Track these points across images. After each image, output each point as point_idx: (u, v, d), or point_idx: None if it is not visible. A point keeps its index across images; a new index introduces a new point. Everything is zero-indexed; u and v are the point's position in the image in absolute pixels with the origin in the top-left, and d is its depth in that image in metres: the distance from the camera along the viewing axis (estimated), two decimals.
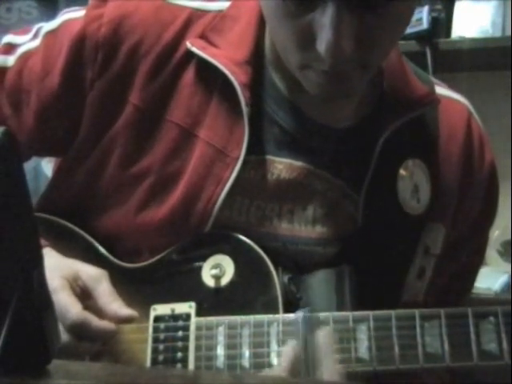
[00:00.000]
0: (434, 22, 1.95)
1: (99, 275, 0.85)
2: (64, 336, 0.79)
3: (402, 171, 0.92)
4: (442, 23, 1.98)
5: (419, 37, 1.94)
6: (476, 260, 1.05)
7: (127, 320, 0.83)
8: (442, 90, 1.00)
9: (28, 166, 0.99)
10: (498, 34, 1.97)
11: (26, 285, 0.52)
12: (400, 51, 0.97)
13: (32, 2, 2.17)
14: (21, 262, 0.52)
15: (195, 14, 0.92)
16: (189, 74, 0.89)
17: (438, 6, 1.99)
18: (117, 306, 0.83)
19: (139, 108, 0.89)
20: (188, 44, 0.89)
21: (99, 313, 0.83)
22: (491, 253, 1.92)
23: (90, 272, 0.85)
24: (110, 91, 0.90)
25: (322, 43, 0.75)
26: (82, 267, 0.86)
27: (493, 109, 2.07)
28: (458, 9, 2.02)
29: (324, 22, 0.74)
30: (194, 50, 0.88)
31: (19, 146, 0.52)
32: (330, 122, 0.91)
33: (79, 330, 0.80)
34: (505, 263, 1.92)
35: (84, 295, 0.84)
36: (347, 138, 0.92)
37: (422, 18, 1.94)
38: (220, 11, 0.92)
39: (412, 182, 0.92)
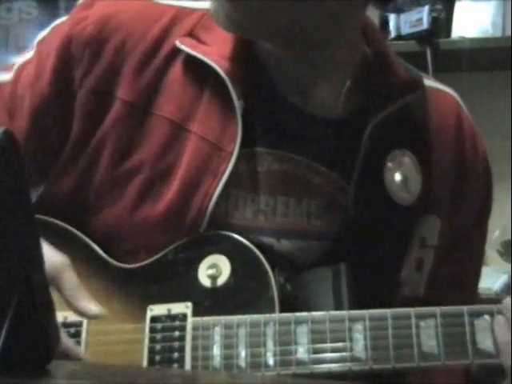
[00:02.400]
0: (434, 21, 1.95)
1: (62, 262, 0.82)
2: None
3: (389, 162, 0.92)
4: (441, 23, 1.98)
5: (419, 37, 1.95)
6: (477, 254, 1.05)
7: (97, 317, 0.81)
8: (430, 82, 1.01)
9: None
10: (498, 34, 1.97)
11: (26, 285, 0.52)
12: (389, 47, 0.97)
13: (32, 1, 2.17)
14: (21, 262, 0.52)
15: (182, 12, 0.93)
16: (177, 70, 0.90)
17: (438, 6, 1.99)
18: (85, 301, 0.81)
19: (127, 103, 0.90)
20: (177, 43, 0.90)
21: (64, 303, 0.80)
22: (491, 253, 1.92)
23: (52, 259, 0.81)
24: (97, 88, 0.91)
25: None
26: (48, 254, 0.79)
27: (493, 109, 2.07)
28: (457, 9, 2.02)
29: None
30: (184, 48, 0.90)
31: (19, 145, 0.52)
32: (320, 112, 0.92)
33: None
34: (505, 263, 1.92)
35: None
36: (338, 129, 0.92)
37: (421, 17, 1.95)
38: (208, 10, 0.93)
39: (400, 172, 0.92)
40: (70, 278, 0.81)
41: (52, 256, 0.82)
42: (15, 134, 0.93)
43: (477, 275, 1.07)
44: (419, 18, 1.95)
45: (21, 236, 0.52)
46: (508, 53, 1.87)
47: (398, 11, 2.02)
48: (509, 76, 1.98)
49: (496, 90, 2.10)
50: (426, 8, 1.96)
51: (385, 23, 2.02)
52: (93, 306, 0.81)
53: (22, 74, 0.96)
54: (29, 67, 0.96)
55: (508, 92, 1.99)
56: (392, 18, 2.01)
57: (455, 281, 1.01)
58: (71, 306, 0.80)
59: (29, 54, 0.98)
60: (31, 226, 0.54)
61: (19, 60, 0.98)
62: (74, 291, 0.81)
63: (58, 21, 0.97)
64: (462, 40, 1.96)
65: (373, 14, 1.99)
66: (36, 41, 0.98)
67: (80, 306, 0.80)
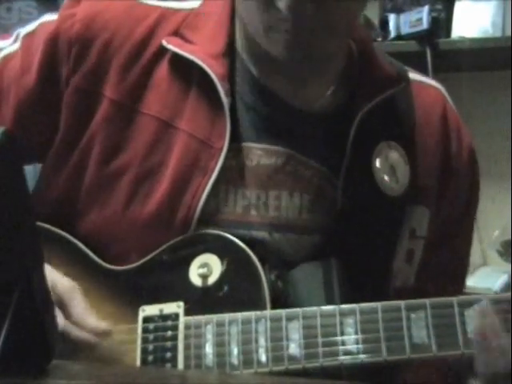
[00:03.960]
0: (434, 21, 1.95)
1: (72, 288, 0.85)
2: None
3: (376, 153, 0.93)
4: (442, 23, 1.98)
5: (419, 37, 1.94)
6: (466, 244, 1.06)
7: (104, 334, 0.83)
8: (415, 75, 1.02)
9: (28, 165, 0.98)
10: (498, 34, 1.97)
11: (26, 285, 0.53)
12: (370, 38, 1.00)
13: (32, 1, 2.16)
14: (21, 262, 0.52)
15: (167, 13, 0.94)
16: (163, 69, 0.91)
17: (438, 6, 1.99)
18: (93, 320, 0.83)
19: (114, 102, 0.91)
20: (163, 42, 0.91)
21: (75, 324, 0.83)
22: (491, 253, 1.92)
23: (65, 284, 0.85)
24: (84, 87, 0.91)
25: (283, 1, 0.79)
26: (56, 278, 0.85)
27: (493, 109, 2.07)
28: (457, 9, 2.01)
29: None
30: (170, 47, 0.90)
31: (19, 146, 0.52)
32: (305, 106, 0.93)
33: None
34: (505, 263, 1.92)
35: (58, 306, 0.83)
36: (325, 122, 0.93)
37: (422, 18, 1.94)
38: (192, 10, 0.95)
39: (388, 163, 0.93)
40: (81, 301, 0.84)
41: (65, 281, 0.85)
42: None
43: (465, 265, 1.07)
44: (419, 18, 1.95)
45: (20, 236, 0.52)
46: (508, 53, 1.87)
47: (398, 11, 2.02)
48: (509, 76, 1.98)
49: (496, 89, 2.09)
50: (426, 8, 1.96)
51: (385, 23, 2.02)
52: (101, 323, 0.83)
53: (7, 66, 0.96)
54: (14, 61, 0.96)
55: (508, 92, 1.99)
56: (392, 17, 2.00)
57: (444, 270, 1.01)
58: (82, 323, 0.83)
59: (13, 47, 0.97)
60: (31, 225, 0.54)
61: (4, 51, 0.98)
62: (85, 311, 0.83)
63: (46, 17, 0.98)
64: (462, 40, 1.95)
65: (373, 13, 2.00)
66: (22, 34, 0.98)
67: (90, 324, 0.82)
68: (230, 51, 0.92)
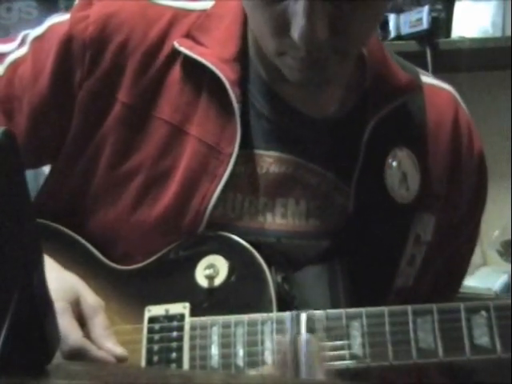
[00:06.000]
0: (434, 21, 1.95)
1: (97, 305, 0.85)
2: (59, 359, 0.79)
3: (389, 160, 0.92)
4: (442, 23, 1.98)
5: (419, 37, 1.95)
6: (468, 248, 1.06)
7: (118, 359, 0.83)
8: (428, 78, 1.01)
9: (36, 168, 0.98)
10: (498, 34, 1.97)
11: (26, 285, 0.52)
12: (381, 42, 0.98)
13: (32, 2, 2.16)
14: (21, 262, 0.52)
15: (179, 14, 0.93)
16: (175, 72, 0.90)
17: (438, 6, 1.99)
18: (111, 343, 0.83)
19: (128, 106, 0.90)
20: (175, 44, 0.90)
21: (93, 343, 0.83)
22: (491, 253, 1.92)
23: (89, 301, 0.85)
24: (98, 90, 0.91)
25: (296, 30, 0.77)
26: (83, 293, 0.86)
27: (493, 109, 2.07)
28: (457, 9, 2.01)
29: (297, 9, 0.76)
30: (182, 49, 0.89)
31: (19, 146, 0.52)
32: (316, 114, 0.92)
33: (76, 356, 0.80)
34: (505, 263, 1.92)
35: (80, 321, 0.84)
36: (335, 129, 0.93)
37: (421, 18, 1.95)
38: (204, 10, 0.93)
39: (400, 170, 0.93)
40: (103, 321, 0.84)
41: (90, 297, 0.86)
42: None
43: (465, 268, 1.07)
44: (419, 18, 1.95)
45: (21, 236, 0.52)
46: (508, 53, 1.87)
47: (398, 11, 2.02)
48: (509, 76, 1.98)
49: (496, 89, 2.09)
50: (426, 8, 1.96)
51: (385, 23, 2.01)
52: (117, 348, 0.83)
53: (17, 72, 0.95)
54: (24, 65, 0.95)
55: (508, 92, 1.99)
56: (392, 17, 2.00)
57: (443, 272, 1.01)
58: (99, 344, 0.83)
59: (21, 51, 0.96)
60: (31, 225, 0.54)
61: (11, 56, 0.96)
62: (104, 333, 0.83)
63: (55, 19, 0.96)
64: (462, 40, 1.95)
65: None
66: (30, 37, 0.96)
67: (107, 346, 0.83)
68: (242, 56, 0.90)
